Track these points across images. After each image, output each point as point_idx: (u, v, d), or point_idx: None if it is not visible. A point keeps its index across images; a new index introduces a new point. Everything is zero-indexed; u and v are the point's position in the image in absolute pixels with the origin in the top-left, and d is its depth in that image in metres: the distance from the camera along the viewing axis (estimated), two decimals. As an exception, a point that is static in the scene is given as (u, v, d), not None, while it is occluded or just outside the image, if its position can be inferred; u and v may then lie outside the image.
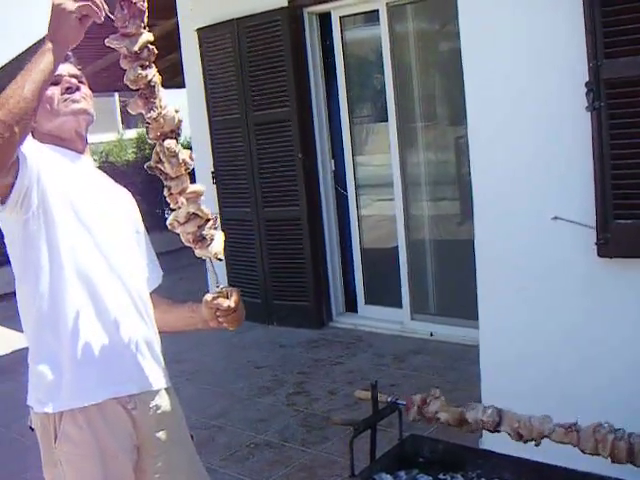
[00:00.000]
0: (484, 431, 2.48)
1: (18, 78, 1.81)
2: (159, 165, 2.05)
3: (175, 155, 2.02)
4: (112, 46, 1.94)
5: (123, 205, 2.39)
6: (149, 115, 1.98)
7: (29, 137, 2.10)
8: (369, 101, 6.94)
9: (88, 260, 2.14)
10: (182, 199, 2.07)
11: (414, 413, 2.56)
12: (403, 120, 6.17)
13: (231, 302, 2.24)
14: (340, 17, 6.48)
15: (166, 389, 2.34)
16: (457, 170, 6.27)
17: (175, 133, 2.04)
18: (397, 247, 6.34)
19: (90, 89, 2.32)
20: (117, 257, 2.22)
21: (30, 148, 2.02)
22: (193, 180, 2.14)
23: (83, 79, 2.30)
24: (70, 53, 2.26)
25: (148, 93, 1.97)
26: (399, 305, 6.39)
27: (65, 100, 2.21)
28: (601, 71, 3.03)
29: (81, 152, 2.28)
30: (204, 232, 2.13)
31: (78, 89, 2.25)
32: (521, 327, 3.51)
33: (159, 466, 2.28)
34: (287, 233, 6.78)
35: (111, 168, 11.03)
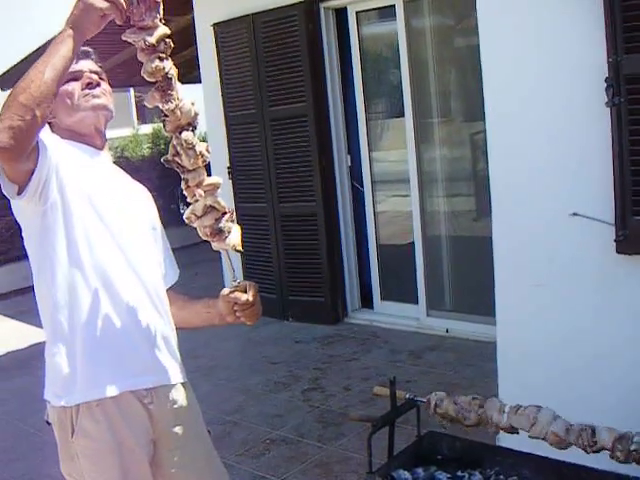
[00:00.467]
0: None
1: (39, 64, 1.85)
2: (176, 158, 2.06)
3: (192, 147, 2.03)
4: (129, 40, 1.96)
5: (140, 201, 2.40)
6: (166, 107, 1.99)
7: (49, 131, 2.13)
8: (385, 96, 6.92)
9: (105, 254, 2.15)
10: (199, 191, 2.07)
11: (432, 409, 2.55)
12: (419, 116, 6.15)
13: (249, 296, 2.24)
14: (356, 12, 6.45)
15: (183, 384, 2.34)
16: (473, 166, 6.24)
17: (192, 126, 2.05)
18: (413, 243, 6.32)
19: (109, 85, 2.33)
20: (133, 252, 2.23)
21: (50, 141, 2.05)
22: (209, 175, 2.14)
23: (103, 75, 2.32)
24: (91, 50, 2.30)
25: (165, 85, 1.98)
26: (415, 301, 6.37)
27: (85, 95, 2.23)
28: (621, 66, 3.00)
29: (100, 148, 2.30)
30: (221, 225, 2.13)
31: (98, 85, 2.27)
32: (538, 323, 3.49)
33: (175, 460, 2.29)
34: (303, 229, 6.77)
35: (126, 163, 11.05)
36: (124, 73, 8.58)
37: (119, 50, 8.15)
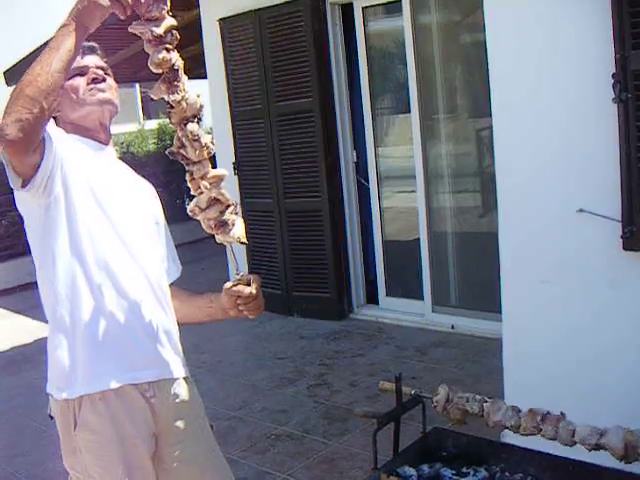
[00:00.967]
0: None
1: (44, 57, 1.86)
2: (181, 150, 2.06)
3: (197, 139, 2.03)
4: (135, 32, 1.96)
5: (144, 196, 2.40)
6: (172, 98, 1.99)
7: (54, 125, 2.13)
8: (391, 92, 6.91)
9: (107, 247, 2.16)
10: (204, 183, 2.07)
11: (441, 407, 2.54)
12: (426, 112, 6.14)
13: (252, 289, 2.23)
14: (362, 8, 6.44)
15: (185, 378, 2.34)
16: (479, 162, 6.23)
17: (197, 117, 2.05)
18: (419, 239, 6.31)
19: (115, 81, 2.34)
20: (136, 246, 2.23)
21: (55, 134, 2.06)
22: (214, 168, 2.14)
23: (109, 71, 2.33)
24: (97, 45, 2.31)
25: (172, 77, 1.98)
26: (420, 297, 6.36)
27: (91, 90, 2.24)
28: (628, 62, 2.99)
29: (104, 143, 2.31)
30: (225, 217, 2.12)
31: (104, 80, 2.28)
32: (544, 319, 3.49)
33: (177, 455, 2.29)
34: (308, 224, 6.77)
35: (132, 159, 11.06)
36: (130, 69, 8.61)
37: (125, 45, 8.17)
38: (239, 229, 2.16)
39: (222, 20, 6.98)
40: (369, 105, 6.57)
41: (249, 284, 2.24)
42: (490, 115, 3.62)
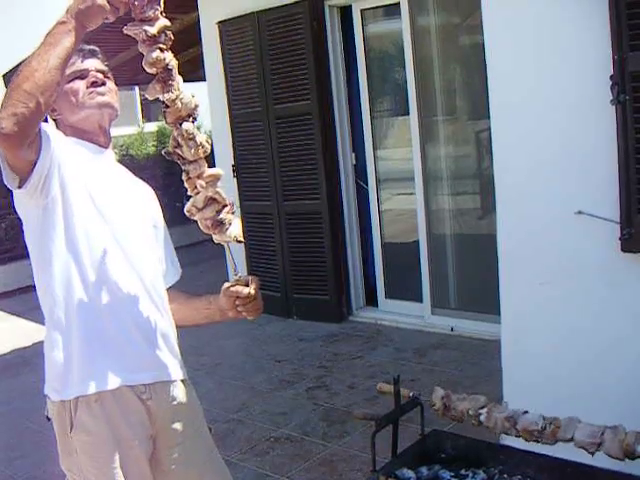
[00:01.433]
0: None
1: (41, 52, 1.87)
2: (177, 150, 2.07)
3: (193, 138, 2.04)
4: (130, 33, 1.98)
5: (142, 199, 2.41)
6: (167, 98, 2.00)
7: (54, 127, 2.14)
8: (390, 94, 6.91)
9: (103, 249, 2.17)
10: (201, 182, 2.08)
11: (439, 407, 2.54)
12: (424, 114, 6.14)
13: (250, 289, 2.23)
14: (361, 10, 6.45)
15: (182, 381, 2.35)
16: (478, 164, 6.23)
17: (192, 117, 2.07)
18: (418, 241, 6.31)
19: (115, 84, 2.35)
20: (133, 249, 2.24)
21: (54, 136, 2.07)
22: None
23: (109, 74, 2.34)
24: (98, 49, 2.32)
25: (166, 76, 2.00)
26: (420, 299, 6.36)
27: (90, 93, 2.25)
28: (626, 64, 3.00)
29: (104, 146, 2.31)
30: (222, 216, 2.13)
31: (104, 84, 2.29)
32: (543, 321, 3.49)
33: (175, 457, 2.29)
34: (307, 227, 6.77)
35: (131, 161, 11.07)
36: (129, 71, 8.60)
37: (125, 48, 8.17)
38: (236, 228, 2.16)
39: (221, 23, 6.98)
40: (368, 107, 6.58)
41: (247, 285, 2.24)
42: (489, 117, 3.63)
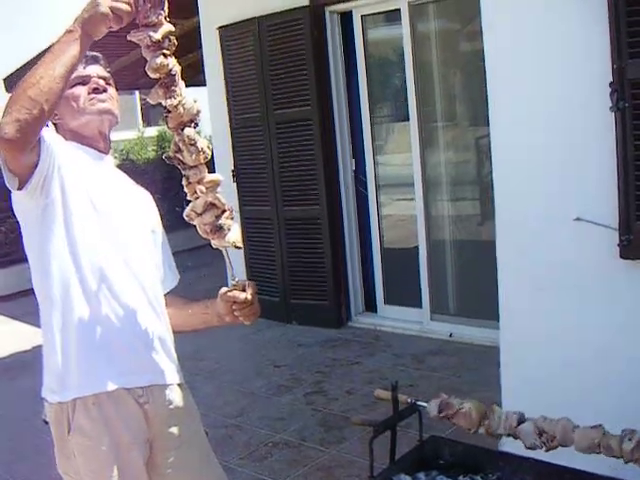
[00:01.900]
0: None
1: (48, 60, 1.89)
2: (178, 154, 2.08)
3: (194, 143, 2.05)
4: (134, 39, 1.99)
5: (141, 205, 2.42)
6: (169, 103, 2.01)
7: (54, 131, 2.16)
8: (390, 100, 6.92)
9: (102, 252, 2.18)
10: (201, 187, 2.08)
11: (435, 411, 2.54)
12: (424, 120, 6.15)
13: (248, 294, 2.24)
14: (362, 16, 6.45)
15: (179, 385, 2.36)
16: (478, 170, 6.24)
17: (194, 122, 2.07)
18: (417, 247, 6.32)
19: (115, 88, 2.36)
20: (132, 253, 2.26)
21: (54, 140, 2.10)
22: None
23: (111, 81, 2.36)
24: (100, 55, 2.34)
25: (169, 82, 2.01)
26: (419, 305, 6.36)
27: (91, 99, 2.26)
28: (626, 71, 3.00)
29: (103, 151, 2.33)
30: (221, 222, 2.14)
31: (105, 90, 2.31)
32: (541, 327, 3.49)
33: (171, 461, 2.30)
34: (307, 232, 6.77)
35: (132, 166, 11.07)
36: (130, 76, 8.61)
37: (126, 53, 8.19)
38: (235, 234, 2.17)
39: (221, 28, 6.99)
40: (368, 113, 6.58)
41: (245, 290, 2.25)
42: (488, 123, 3.63)
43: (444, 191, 6.28)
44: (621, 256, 3.14)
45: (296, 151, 6.66)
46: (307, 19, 6.38)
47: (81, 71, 2.26)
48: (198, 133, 2.08)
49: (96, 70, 2.32)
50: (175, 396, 2.31)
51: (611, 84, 3.04)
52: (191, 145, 2.04)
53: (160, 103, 2.04)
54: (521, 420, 2.39)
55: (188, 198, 2.13)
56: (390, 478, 2.42)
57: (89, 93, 2.27)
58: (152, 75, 2.01)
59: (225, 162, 7.00)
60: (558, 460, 2.34)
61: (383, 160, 6.78)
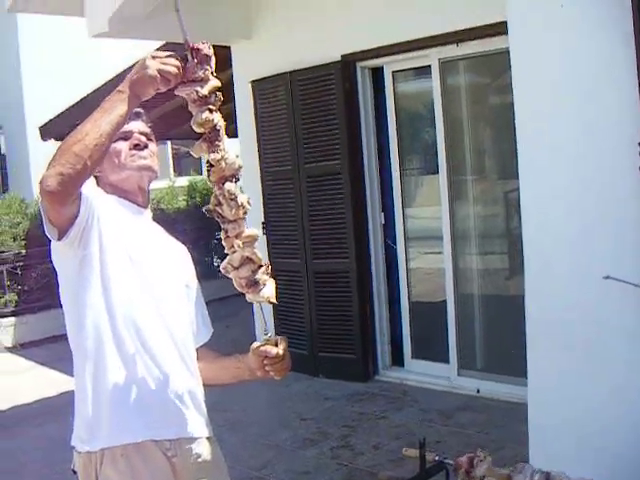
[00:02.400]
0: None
1: (96, 118, 1.94)
2: (218, 208, 2.10)
3: (234, 198, 2.07)
4: (181, 94, 2.03)
5: (176, 259, 2.45)
6: (212, 157, 2.04)
7: (94, 184, 2.20)
8: (420, 153, 6.96)
9: (137, 306, 2.20)
10: (238, 242, 2.10)
11: (462, 475, 2.50)
12: (454, 173, 6.17)
13: (279, 349, 2.24)
14: (392, 72, 6.53)
15: (208, 438, 2.35)
16: (507, 224, 6.23)
17: (235, 177, 2.10)
18: (445, 301, 6.29)
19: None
20: (166, 307, 2.28)
21: (94, 193, 2.15)
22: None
23: (152, 137, 2.41)
24: (142, 111, 2.38)
25: (213, 137, 2.05)
26: (446, 360, 6.31)
27: (132, 155, 2.31)
28: (655, 130, 3.00)
29: (142, 205, 2.37)
30: (257, 277, 2.15)
31: (146, 146, 2.35)
32: (569, 386, 3.44)
33: None
34: (335, 285, 6.77)
35: (162, 215, 11.17)
36: (162, 126, 8.77)
37: (159, 104, 8.33)
38: (270, 289, 2.18)
39: (254, 82, 7.09)
40: (398, 166, 6.61)
41: (277, 345, 2.26)
42: (518, 177, 3.63)
43: (472, 245, 6.27)
44: (653, 315, 3.11)
45: (326, 204, 6.69)
46: (338, 74, 6.46)
47: (124, 126, 2.30)
48: (240, 189, 2.10)
49: (138, 126, 2.37)
50: (203, 449, 2.31)
51: (640, 143, 3.04)
52: (231, 200, 2.07)
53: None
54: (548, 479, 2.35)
55: (226, 251, 2.14)
56: (416, 536, 2.38)
57: (130, 149, 2.33)
58: (197, 129, 2.05)
59: (256, 214, 7.04)
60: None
61: (412, 213, 6.79)
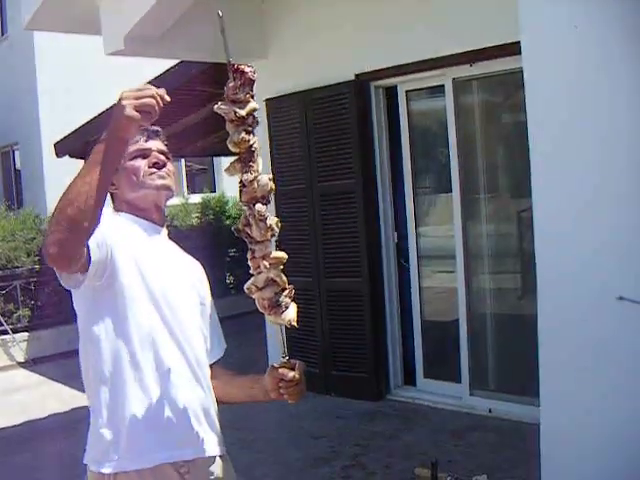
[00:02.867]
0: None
1: (85, 173, 1.85)
2: (246, 228, 2.10)
3: (264, 219, 2.08)
4: (220, 112, 2.03)
5: (191, 277, 2.44)
6: (245, 178, 2.05)
7: (109, 204, 2.17)
8: (433, 172, 6.96)
9: (152, 326, 2.19)
10: (264, 263, 2.10)
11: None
12: (467, 191, 6.17)
13: (296, 373, 2.24)
14: (406, 91, 6.54)
15: (221, 456, 2.34)
16: (520, 243, 6.21)
17: (266, 199, 2.11)
18: (457, 320, 6.27)
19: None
20: (181, 327, 2.27)
21: (105, 221, 2.01)
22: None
23: (170, 155, 2.39)
24: (160, 129, 2.37)
25: (247, 157, 2.06)
26: (458, 380, 6.29)
27: (151, 174, 2.30)
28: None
29: (158, 224, 2.36)
30: (280, 299, 2.15)
31: (164, 165, 2.34)
32: (583, 407, 3.42)
33: None
34: (348, 304, 6.76)
35: (175, 232, 11.19)
36: (176, 144, 8.79)
37: (172, 122, 8.38)
38: (291, 312, 2.17)
39: (268, 100, 7.11)
40: (411, 185, 6.61)
41: (294, 368, 2.25)
42: (531, 196, 3.63)
43: (485, 264, 6.26)
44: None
45: (339, 223, 6.70)
46: (352, 93, 6.49)
47: (142, 144, 2.30)
48: (266, 205, 2.11)
49: (156, 145, 2.36)
50: (217, 468, 2.30)
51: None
52: (261, 221, 2.07)
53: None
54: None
55: (251, 272, 2.14)
56: None
57: (149, 167, 2.31)
58: (232, 149, 2.05)
59: (269, 231, 7.03)
60: None
61: (425, 232, 6.79)
